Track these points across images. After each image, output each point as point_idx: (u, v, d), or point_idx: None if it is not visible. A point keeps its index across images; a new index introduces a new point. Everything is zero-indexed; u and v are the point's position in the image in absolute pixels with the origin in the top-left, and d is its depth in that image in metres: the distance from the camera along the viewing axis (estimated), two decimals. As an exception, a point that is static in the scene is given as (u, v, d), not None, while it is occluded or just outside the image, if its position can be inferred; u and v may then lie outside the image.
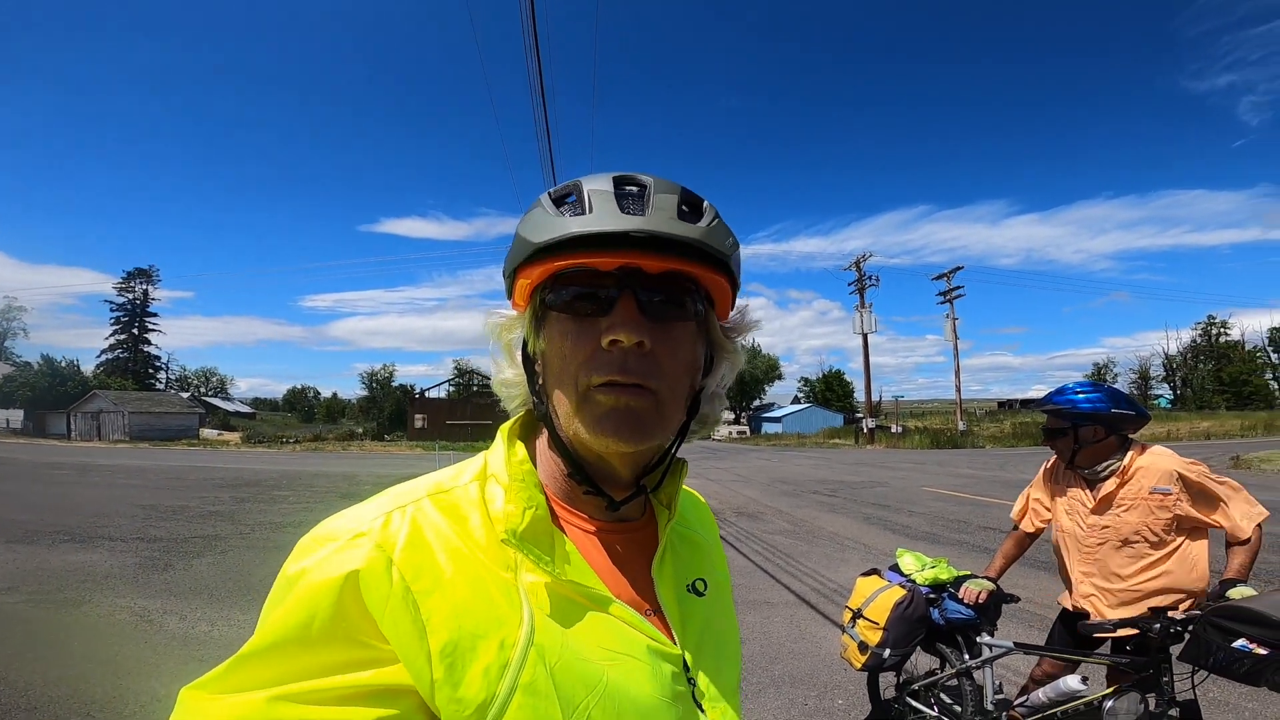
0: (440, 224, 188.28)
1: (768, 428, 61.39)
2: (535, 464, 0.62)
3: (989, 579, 2.54)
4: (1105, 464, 2.39)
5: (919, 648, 2.54)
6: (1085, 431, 2.38)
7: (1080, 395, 2.40)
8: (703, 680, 0.60)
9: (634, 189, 0.56)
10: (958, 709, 2.46)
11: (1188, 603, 2.21)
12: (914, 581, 2.61)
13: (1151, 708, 2.03)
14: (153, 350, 70.74)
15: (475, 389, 53.34)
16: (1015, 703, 2.41)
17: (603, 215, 0.53)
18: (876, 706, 2.78)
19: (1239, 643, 1.72)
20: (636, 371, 0.54)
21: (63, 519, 9.02)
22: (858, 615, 2.56)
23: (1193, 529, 2.27)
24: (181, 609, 4.91)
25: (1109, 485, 2.36)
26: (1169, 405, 62.13)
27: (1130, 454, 2.36)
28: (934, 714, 2.54)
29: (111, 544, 7.32)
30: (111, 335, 68.08)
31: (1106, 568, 2.36)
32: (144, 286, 68.66)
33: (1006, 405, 71.44)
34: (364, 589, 0.48)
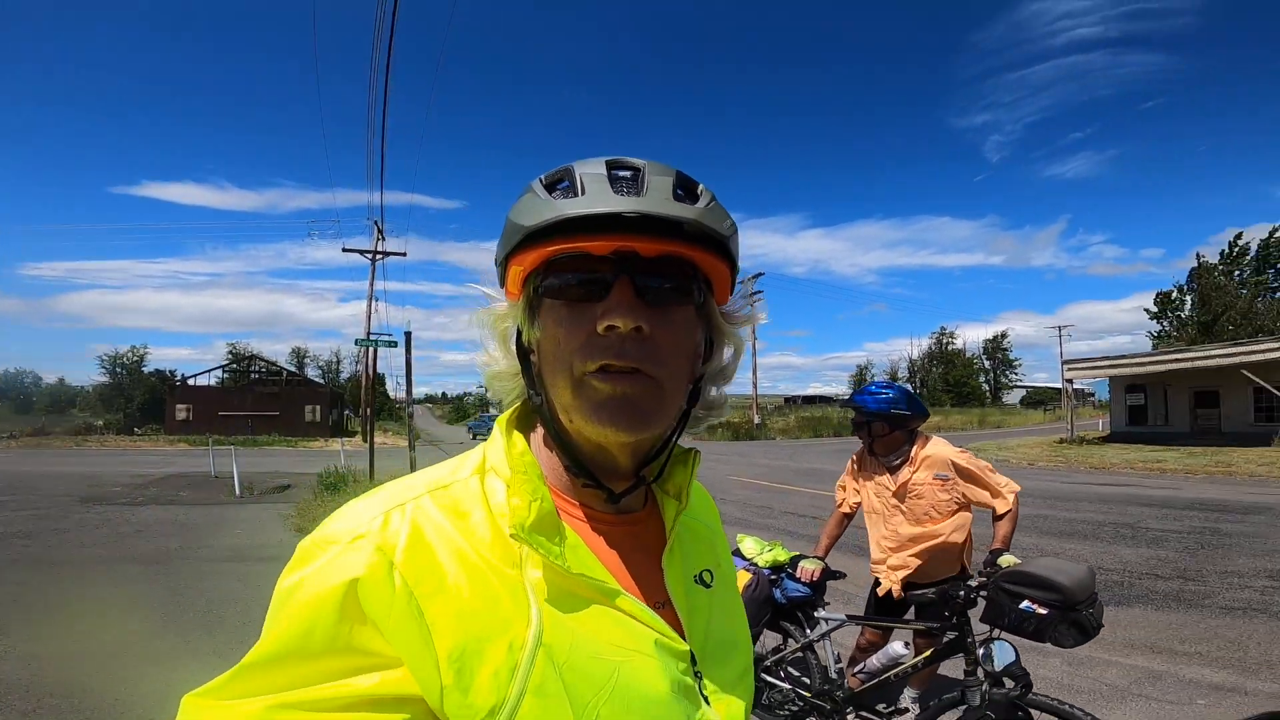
0: (223, 192, 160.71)
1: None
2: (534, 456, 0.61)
3: (819, 558, 2.83)
4: (897, 453, 2.83)
5: (764, 627, 2.75)
6: (876, 426, 2.81)
7: (870, 396, 2.82)
8: (709, 673, 0.60)
9: (627, 172, 0.55)
10: (806, 680, 2.69)
11: (972, 571, 2.61)
12: (756, 565, 2.82)
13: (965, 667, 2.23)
14: None
15: (256, 376, 46.87)
16: (853, 671, 2.69)
17: (595, 197, 0.52)
18: None
19: (1024, 604, 1.97)
20: (633, 356, 0.52)
21: None
22: None
23: (965, 505, 2.76)
24: None
25: (904, 472, 2.80)
26: (912, 402, 74.26)
27: (916, 445, 2.81)
28: (787, 687, 2.74)
29: None
30: None
31: (904, 540, 2.79)
32: None
33: (792, 400, 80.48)
34: (365, 595, 0.47)
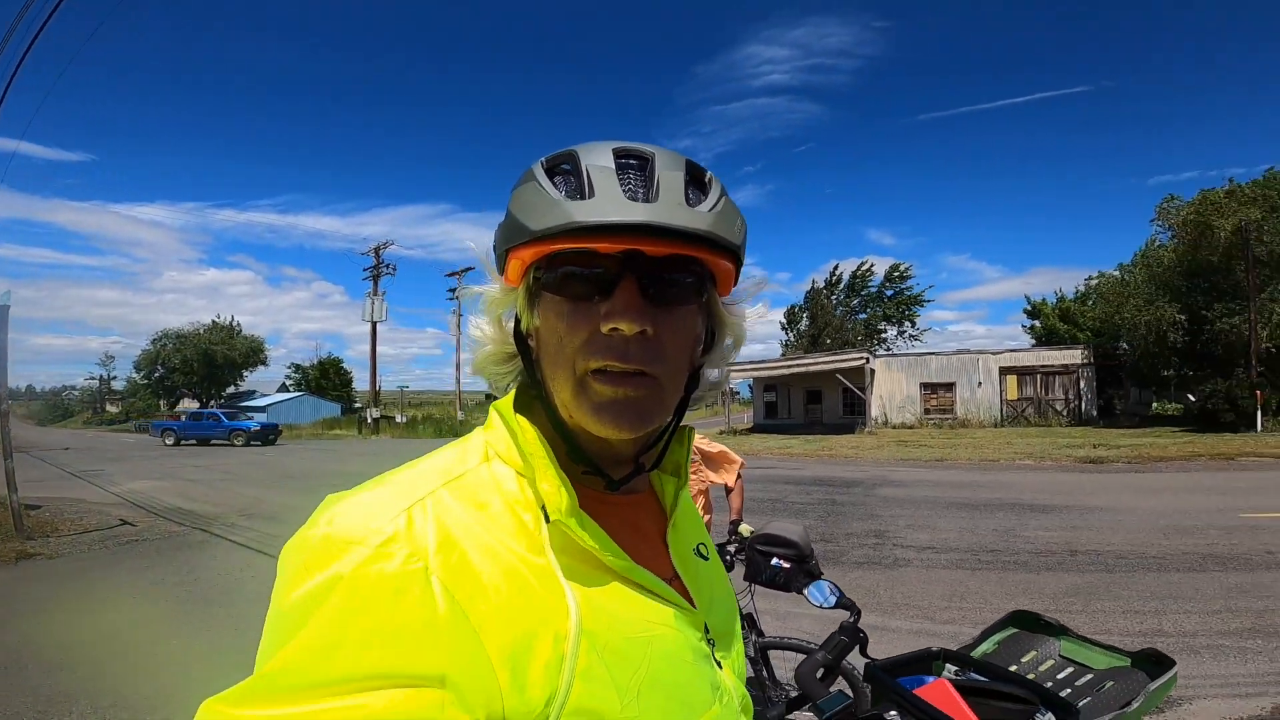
0: None
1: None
2: None
3: None
4: None
5: None
6: None
7: None
8: (717, 640, 0.64)
9: (635, 162, 0.54)
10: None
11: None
12: None
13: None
14: None
15: None
16: None
17: (606, 202, 0.50)
18: None
19: (774, 561, 2.25)
20: (637, 358, 0.52)
21: None
22: None
23: (706, 488, 3.16)
24: None
25: None
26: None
27: None
28: None
29: None
30: None
31: None
32: None
33: (492, 397, 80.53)
34: (407, 607, 0.44)
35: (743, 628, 2.56)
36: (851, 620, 1.32)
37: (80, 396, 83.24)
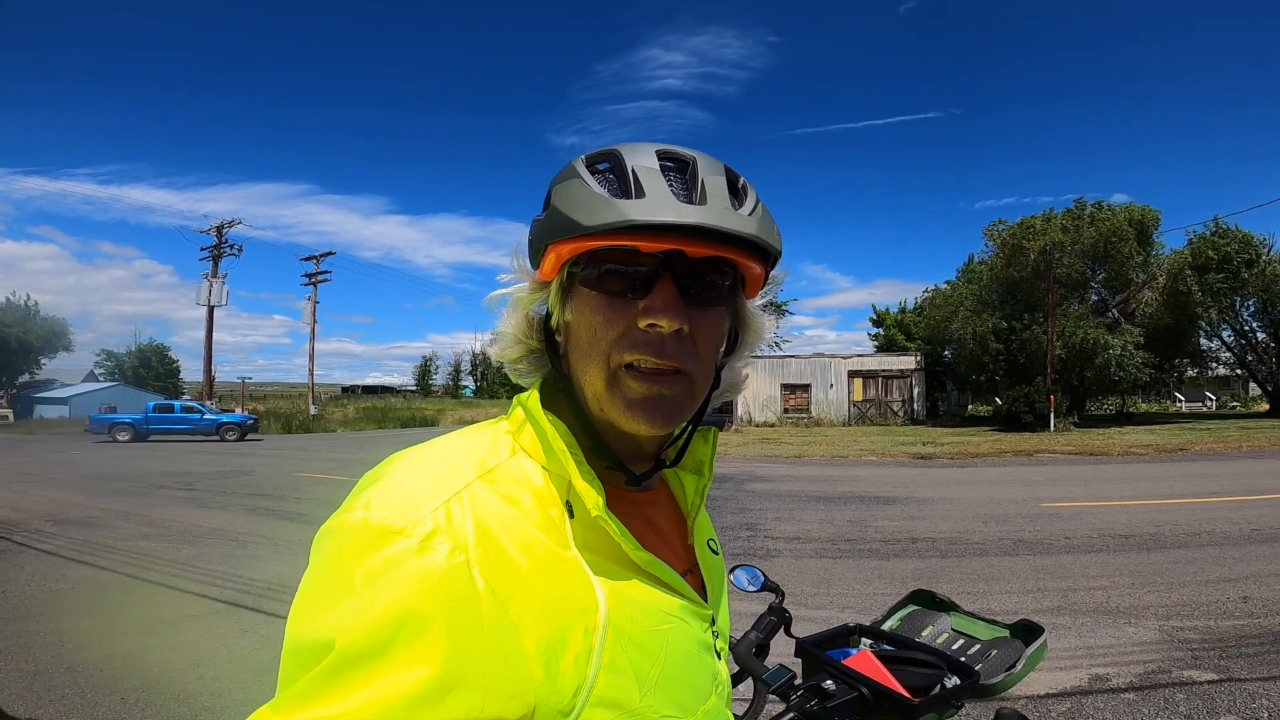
0: None
1: (46, 411, 45.32)
2: None
3: None
4: None
5: None
6: None
7: None
8: (721, 631, 0.68)
9: (675, 165, 0.56)
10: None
11: None
12: None
13: None
14: None
15: None
16: None
17: (658, 202, 0.51)
18: None
19: None
20: (673, 355, 0.54)
21: None
22: None
23: None
24: None
25: None
26: (473, 394, 78.41)
27: None
28: None
29: None
30: None
31: None
32: None
33: (350, 390, 75.13)
34: (453, 598, 0.44)
35: None
36: (778, 601, 1.42)
37: None
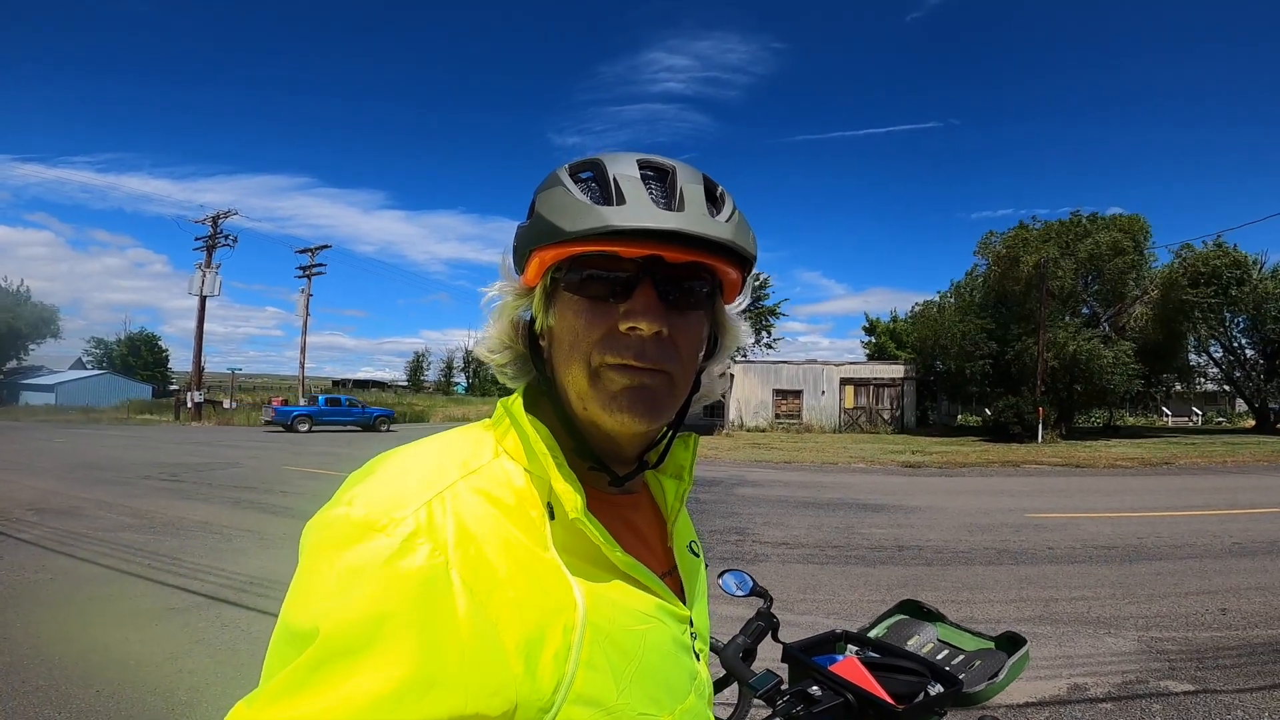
0: None
1: (32, 398, 44.81)
2: None
3: None
4: None
5: None
6: None
7: None
8: (699, 633, 0.68)
9: (654, 173, 0.58)
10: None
11: None
12: None
13: None
14: None
15: None
16: None
17: (638, 208, 0.53)
18: None
19: None
20: (653, 357, 0.56)
21: None
22: None
23: None
24: None
25: None
26: (465, 391, 78.14)
27: None
28: None
29: None
30: None
31: None
32: None
33: (341, 384, 74.75)
34: (430, 599, 0.45)
35: None
36: (766, 607, 1.43)
37: None
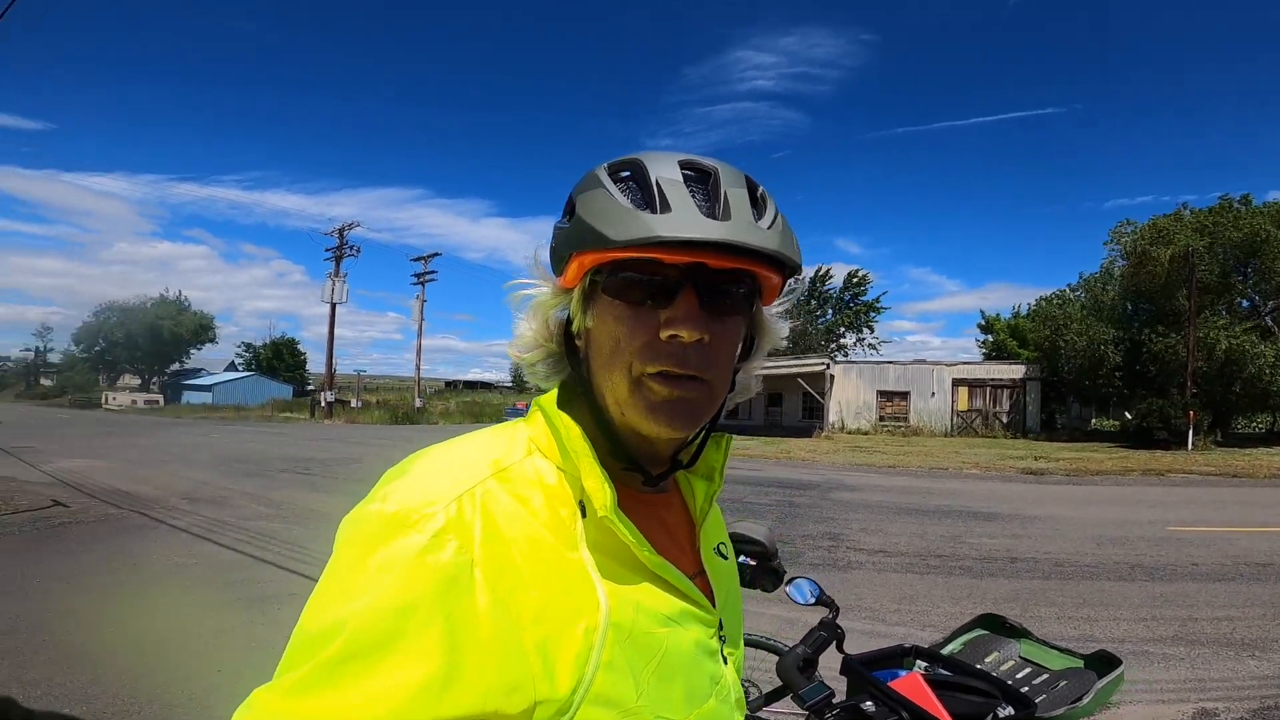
0: None
1: (192, 397, 51.04)
2: None
3: None
4: None
5: None
6: None
7: None
8: (728, 637, 0.67)
9: (695, 174, 0.56)
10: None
11: None
12: None
13: None
14: None
15: None
16: None
17: (685, 216, 0.52)
18: None
19: (741, 559, 2.52)
20: (695, 364, 0.55)
21: None
22: None
23: None
24: None
25: None
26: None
27: None
28: None
29: None
30: None
31: None
32: None
33: (453, 385, 79.37)
34: (455, 595, 0.46)
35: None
36: (831, 617, 1.37)
37: (15, 369, 78.74)
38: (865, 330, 47.80)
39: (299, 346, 65.14)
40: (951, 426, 29.72)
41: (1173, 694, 3.24)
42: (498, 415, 38.91)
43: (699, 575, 0.65)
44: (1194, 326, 22.26)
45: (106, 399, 50.52)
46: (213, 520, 7.36)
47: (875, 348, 47.81)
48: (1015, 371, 30.01)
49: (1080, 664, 1.28)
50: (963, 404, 30.10)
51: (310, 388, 53.14)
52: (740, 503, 9.90)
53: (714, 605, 0.64)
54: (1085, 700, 1.16)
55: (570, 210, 0.58)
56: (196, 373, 59.11)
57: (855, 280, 48.04)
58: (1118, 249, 27.48)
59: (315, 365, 57.68)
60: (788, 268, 0.58)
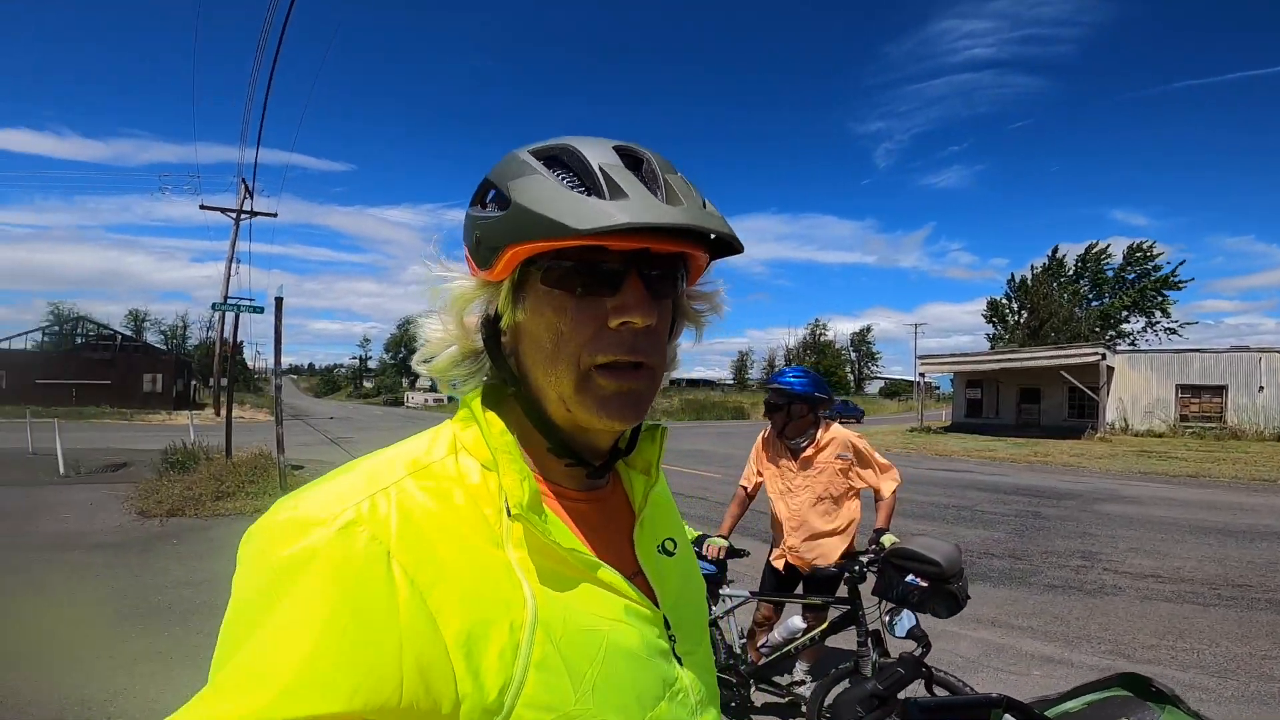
0: (61, 140, 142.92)
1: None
2: None
3: (723, 537, 2.95)
4: (805, 436, 3.00)
5: None
6: (796, 408, 2.95)
7: (794, 379, 2.97)
8: (680, 636, 0.64)
9: (628, 160, 0.54)
10: (711, 654, 2.84)
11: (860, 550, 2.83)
12: None
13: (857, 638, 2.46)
14: None
15: (83, 340, 40.88)
16: (756, 645, 2.87)
17: (645, 203, 0.51)
18: None
19: (909, 578, 2.14)
20: (643, 350, 0.54)
21: None
22: None
23: (853, 491, 3.00)
24: None
25: (808, 452, 2.99)
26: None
27: (821, 428, 3.02)
28: None
29: None
30: None
31: (806, 521, 2.97)
32: None
33: (675, 383, 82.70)
34: (370, 584, 0.45)
35: (864, 645, 2.40)
36: (918, 653, 1.23)
37: (346, 373, 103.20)
38: (1157, 313, 39.06)
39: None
40: (1293, 429, 22.84)
41: None
42: (718, 413, 39.52)
43: (638, 574, 0.63)
44: None
45: (407, 398, 62.82)
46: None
47: (1175, 332, 38.84)
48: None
49: None
50: (1312, 400, 22.96)
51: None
52: (967, 510, 8.82)
53: (656, 604, 0.61)
54: None
55: (502, 198, 0.54)
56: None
57: (1140, 254, 39.52)
58: None
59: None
60: (734, 249, 0.57)
